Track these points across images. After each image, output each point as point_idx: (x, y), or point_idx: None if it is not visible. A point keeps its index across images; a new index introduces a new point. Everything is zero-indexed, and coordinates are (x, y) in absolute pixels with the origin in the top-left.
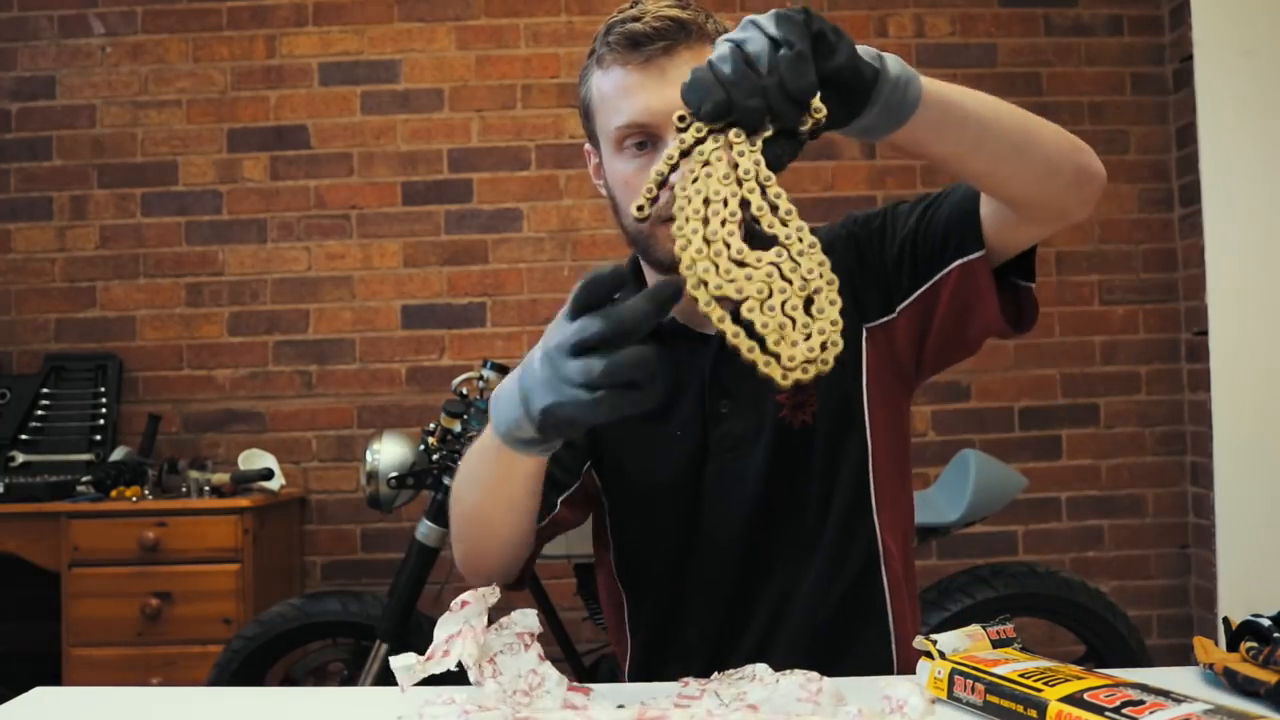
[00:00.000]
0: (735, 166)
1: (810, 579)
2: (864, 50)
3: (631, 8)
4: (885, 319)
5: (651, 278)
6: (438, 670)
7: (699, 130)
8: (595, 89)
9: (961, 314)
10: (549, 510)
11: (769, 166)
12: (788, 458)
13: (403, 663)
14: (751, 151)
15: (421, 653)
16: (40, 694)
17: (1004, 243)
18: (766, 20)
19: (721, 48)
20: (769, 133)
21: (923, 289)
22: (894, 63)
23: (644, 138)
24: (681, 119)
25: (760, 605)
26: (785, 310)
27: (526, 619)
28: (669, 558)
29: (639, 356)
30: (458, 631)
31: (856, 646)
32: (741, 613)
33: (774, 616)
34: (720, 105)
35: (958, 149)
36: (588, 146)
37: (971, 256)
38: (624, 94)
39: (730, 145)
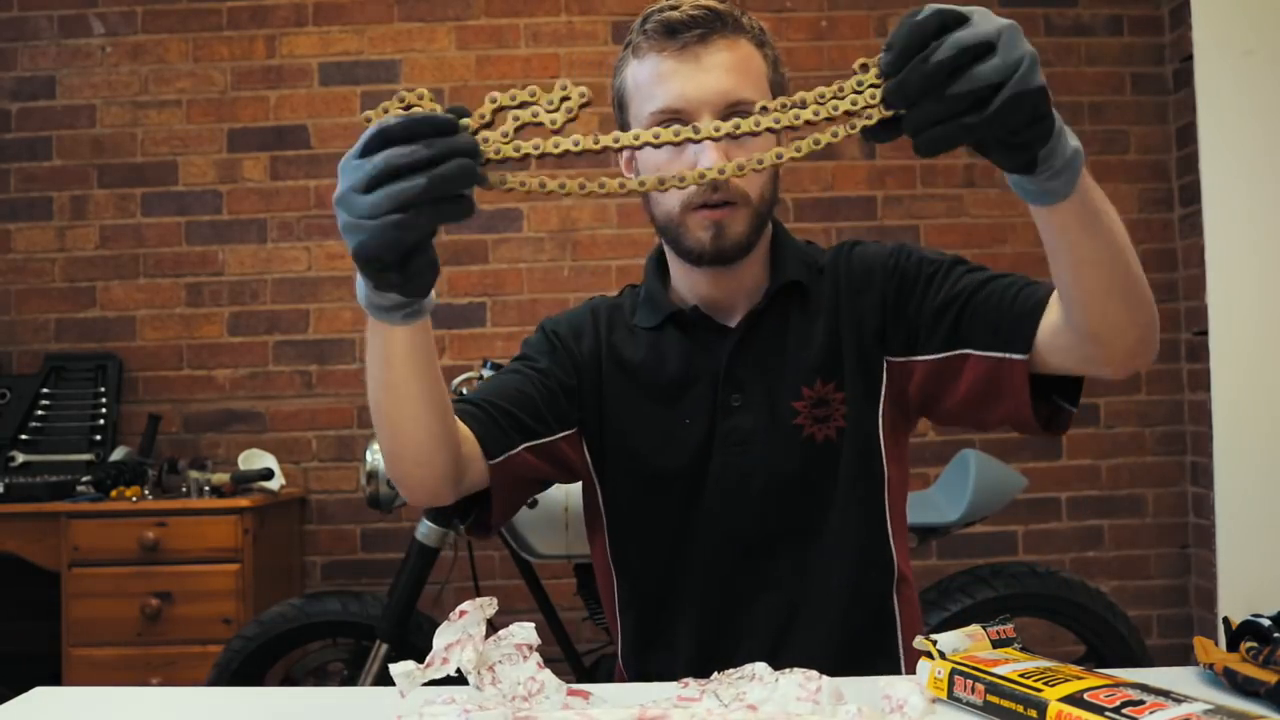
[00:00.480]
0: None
1: (826, 600)
2: (1070, 136)
3: None
4: (903, 359)
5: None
6: (437, 676)
7: (862, 87)
8: (630, 78)
9: (987, 399)
10: (508, 449)
11: (872, 136)
12: (806, 470)
13: (402, 669)
14: (865, 121)
15: (421, 657)
16: (40, 694)
17: (1045, 361)
18: (1025, 69)
19: (967, 36)
20: (890, 115)
21: (949, 354)
22: (1069, 151)
23: (677, 124)
24: (864, 67)
25: (761, 614)
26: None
27: (525, 631)
28: (667, 545)
29: (461, 166)
30: (456, 640)
31: (868, 673)
32: (743, 615)
33: (779, 630)
34: (901, 98)
35: (1087, 254)
36: None
37: (1014, 356)
38: (659, 80)
39: (861, 99)
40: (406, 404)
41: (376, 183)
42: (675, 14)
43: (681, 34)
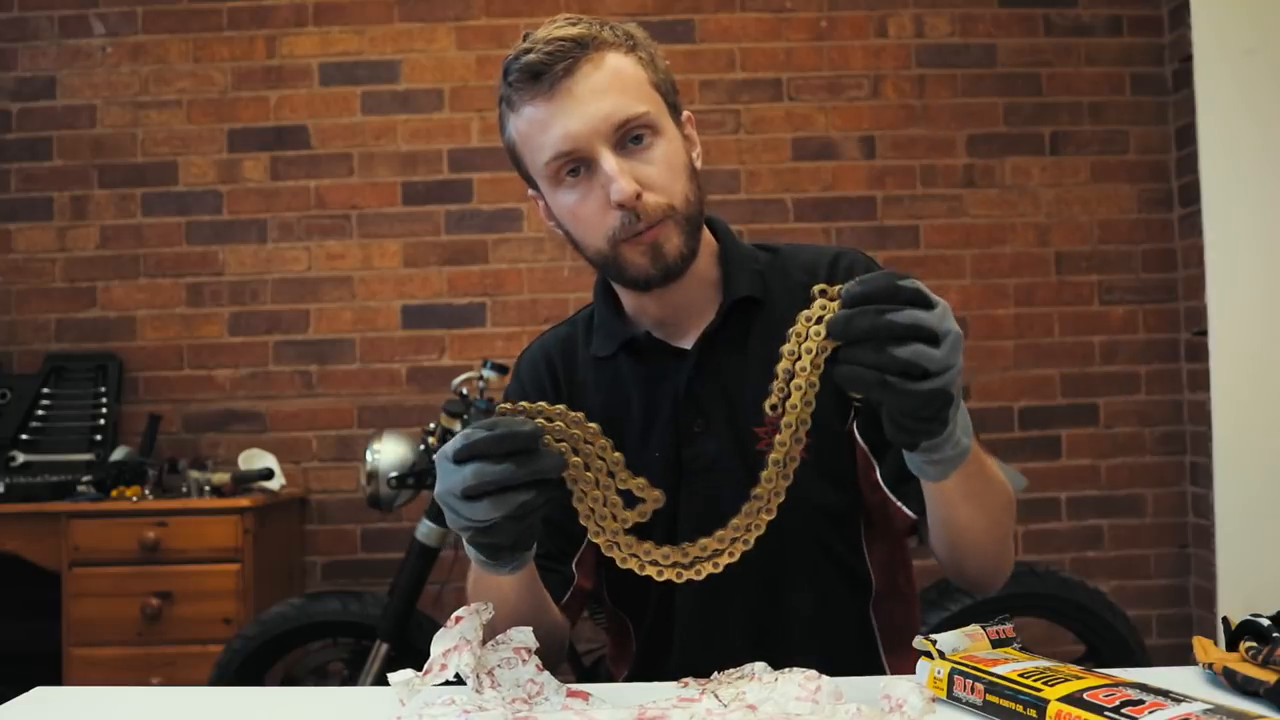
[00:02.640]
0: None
1: (802, 624)
2: (962, 420)
3: (523, 42)
4: None
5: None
6: (436, 683)
7: (809, 323)
8: (514, 132)
9: (877, 505)
10: (566, 586)
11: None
12: None
13: (401, 678)
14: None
15: (422, 657)
16: (40, 694)
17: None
18: (954, 374)
19: (927, 318)
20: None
21: (868, 452)
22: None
23: (575, 164)
24: (823, 291)
25: (742, 641)
26: None
27: (523, 634)
28: (656, 585)
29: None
30: (454, 646)
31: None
32: (724, 643)
33: (761, 656)
34: (842, 331)
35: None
36: (531, 192)
37: (906, 511)
38: (541, 128)
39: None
40: (521, 621)
41: (481, 493)
42: (533, 57)
43: (545, 75)
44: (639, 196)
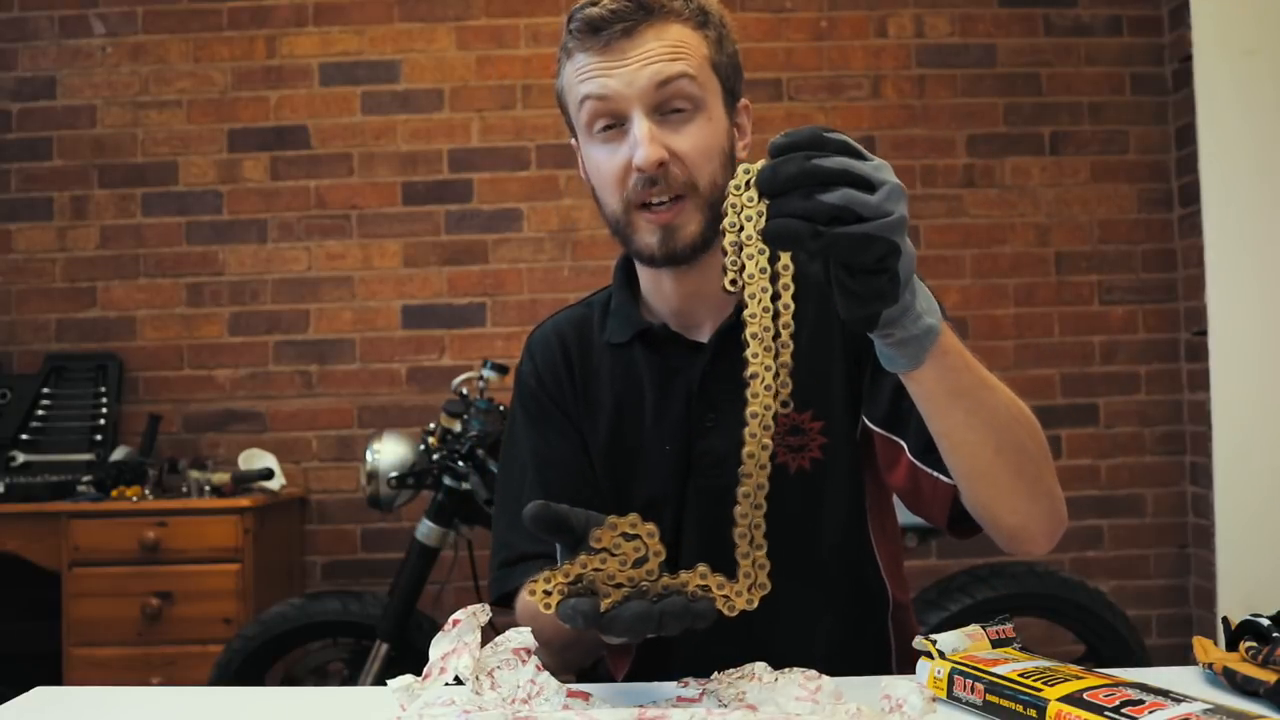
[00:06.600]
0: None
1: (812, 636)
2: (923, 300)
3: None
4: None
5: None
6: (436, 687)
7: (751, 202)
8: (564, 79)
9: (910, 497)
10: None
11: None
12: (779, 500)
13: (400, 683)
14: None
15: (421, 657)
16: (40, 694)
17: None
18: (892, 221)
19: (858, 165)
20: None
21: (888, 435)
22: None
23: (609, 119)
24: (746, 170)
25: (744, 651)
26: None
27: (521, 636)
28: None
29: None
30: (452, 649)
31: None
32: (729, 650)
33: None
34: (771, 182)
35: (949, 425)
36: (573, 141)
37: (946, 480)
38: (585, 76)
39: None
40: (562, 654)
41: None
42: (597, 11)
43: (605, 30)
44: (662, 165)
